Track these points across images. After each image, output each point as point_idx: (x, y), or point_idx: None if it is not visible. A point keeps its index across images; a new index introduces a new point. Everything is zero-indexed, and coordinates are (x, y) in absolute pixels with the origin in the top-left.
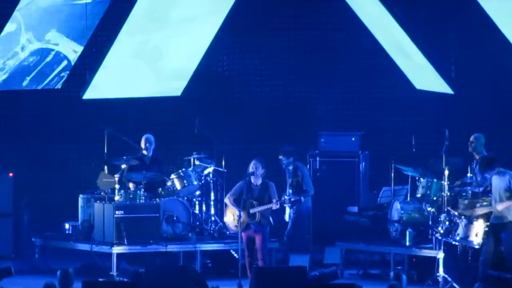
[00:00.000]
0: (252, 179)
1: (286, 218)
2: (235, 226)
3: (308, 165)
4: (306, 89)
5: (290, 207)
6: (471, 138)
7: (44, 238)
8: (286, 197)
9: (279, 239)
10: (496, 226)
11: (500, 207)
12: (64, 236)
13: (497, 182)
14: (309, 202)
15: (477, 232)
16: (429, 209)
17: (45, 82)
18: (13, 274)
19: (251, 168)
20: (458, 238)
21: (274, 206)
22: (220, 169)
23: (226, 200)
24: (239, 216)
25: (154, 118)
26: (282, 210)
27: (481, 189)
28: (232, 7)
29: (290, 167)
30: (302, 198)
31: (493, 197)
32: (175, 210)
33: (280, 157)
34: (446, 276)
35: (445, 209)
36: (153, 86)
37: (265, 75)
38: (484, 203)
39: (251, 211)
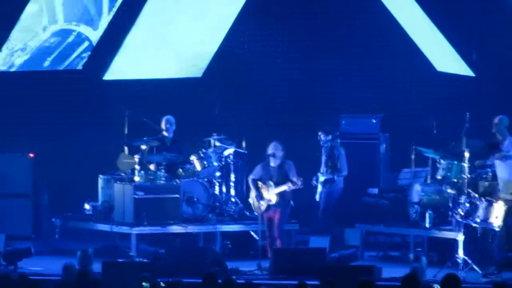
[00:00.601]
0: (272, 161)
1: (317, 197)
2: (256, 206)
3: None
4: (326, 71)
5: (323, 186)
6: (496, 120)
7: (64, 218)
8: (319, 174)
9: (300, 221)
10: (508, 210)
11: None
12: (84, 216)
13: (503, 167)
14: (342, 183)
15: (497, 214)
16: (449, 191)
17: (66, 63)
18: (33, 254)
19: (270, 150)
20: (478, 220)
21: (291, 187)
22: (241, 150)
23: (249, 180)
24: (257, 198)
25: (175, 99)
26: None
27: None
28: None
29: (327, 145)
30: (335, 177)
31: (499, 182)
32: (195, 191)
33: (319, 133)
34: (466, 258)
35: (466, 191)
36: (174, 67)
37: (285, 58)
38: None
39: (270, 192)
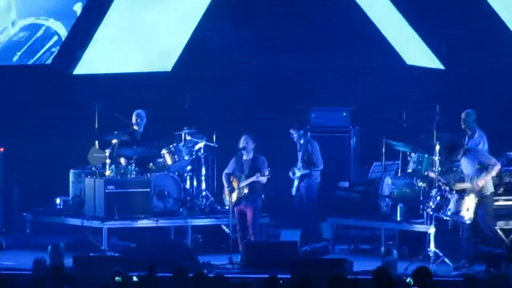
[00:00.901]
0: (244, 154)
1: (293, 191)
2: (228, 201)
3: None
4: (296, 64)
5: (300, 181)
6: (462, 115)
7: (35, 213)
8: (295, 169)
9: (270, 214)
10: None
11: (480, 182)
12: (55, 211)
13: (466, 162)
14: (319, 177)
15: (468, 207)
16: (420, 184)
17: (36, 58)
18: (4, 248)
19: (241, 143)
20: (449, 213)
21: (259, 178)
22: (211, 144)
23: (223, 175)
24: (229, 191)
25: (145, 94)
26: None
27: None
28: None
29: (301, 141)
30: (312, 172)
31: (467, 177)
32: (166, 185)
33: (291, 130)
34: (437, 251)
35: (436, 184)
36: (143, 61)
37: (255, 51)
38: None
39: (240, 185)
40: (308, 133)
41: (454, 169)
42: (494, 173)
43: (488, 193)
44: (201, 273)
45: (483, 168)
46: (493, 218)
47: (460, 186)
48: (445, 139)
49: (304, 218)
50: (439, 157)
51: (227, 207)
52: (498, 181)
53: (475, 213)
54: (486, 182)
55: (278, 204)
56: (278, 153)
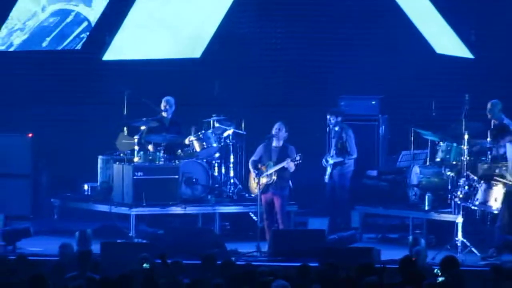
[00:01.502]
0: (274, 141)
1: (326, 179)
2: (256, 189)
3: (327, 128)
4: (326, 52)
5: (333, 169)
6: (488, 105)
7: (63, 199)
8: (329, 157)
9: (298, 202)
10: (510, 193)
11: None
12: (83, 197)
13: (511, 150)
14: (352, 166)
15: (496, 197)
16: (448, 173)
17: (65, 43)
18: (31, 234)
19: (274, 130)
20: (477, 202)
21: (289, 163)
22: (240, 131)
23: (250, 162)
24: (257, 178)
25: (174, 80)
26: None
27: (500, 151)
28: None
29: (337, 128)
30: (345, 160)
31: (509, 165)
32: (194, 172)
33: (328, 116)
34: (464, 240)
35: (465, 174)
36: (172, 48)
37: (284, 38)
38: (504, 168)
39: (269, 171)
40: (343, 123)
41: (483, 158)
42: None
43: None
44: (230, 260)
45: None
46: None
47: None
48: (474, 128)
49: (335, 206)
50: (468, 146)
51: (253, 195)
52: None
53: (509, 202)
54: None
55: (307, 192)
56: (306, 141)
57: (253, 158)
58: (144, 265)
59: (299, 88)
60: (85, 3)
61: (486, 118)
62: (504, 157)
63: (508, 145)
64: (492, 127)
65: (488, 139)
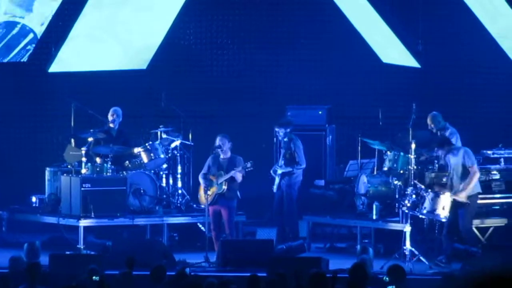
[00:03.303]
0: (221, 153)
1: (274, 189)
2: (205, 200)
3: (274, 139)
4: (272, 62)
5: (281, 179)
6: (428, 121)
7: (10, 211)
8: (277, 167)
9: (247, 212)
10: (456, 202)
11: (462, 195)
12: (31, 209)
13: (452, 160)
14: (301, 176)
15: (444, 205)
16: (395, 182)
17: (11, 55)
18: None
19: (217, 143)
20: (424, 211)
21: (235, 174)
22: (187, 142)
23: (200, 176)
24: (205, 189)
25: (121, 92)
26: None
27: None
28: None
29: (286, 138)
30: (293, 170)
31: (452, 175)
32: (142, 183)
33: (277, 129)
34: (412, 249)
35: (412, 183)
36: (119, 59)
37: (231, 49)
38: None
39: (219, 180)
40: (292, 134)
41: (430, 167)
42: (472, 183)
43: (474, 194)
44: (184, 272)
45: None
46: (472, 218)
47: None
48: (421, 137)
49: (284, 216)
50: (415, 155)
51: (202, 206)
52: None
53: (456, 211)
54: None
55: (255, 202)
56: (254, 151)
57: (202, 171)
58: (94, 277)
59: (246, 99)
60: (30, 15)
61: None
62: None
63: (449, 157)
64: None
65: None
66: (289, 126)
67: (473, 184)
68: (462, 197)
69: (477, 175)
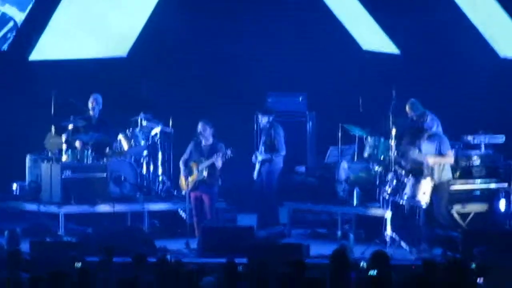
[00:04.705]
0: (202, 140)
1: (255, 175)
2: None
3: (255, 126)
4: (253, 49)
5: (261, 166)
6: (407, 108)
7: None
8: (257, 153)
9: (227, 199)
10: (438, 187)
11: (431, 160)
12: (11, 196)
13: (426, 147)
14: (281, 163)
15: (425, 191)
16: (376, 168)
17: None
18: None
19: (198, 129)
20: (405, 197)
21: (220, 158)
22: (167, 129)
23: (181, 161)
24: (186, 176)
25: (101, 79)
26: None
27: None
28: None
29: (267, 126)
30: (273, 157)
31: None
32: (122, 170)
33: (260, 116)
34: (393, 235)
35: (392, 169)
36: (99, 47)
37: (211, 36)
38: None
39: (200, 167)
40: (273, 121)
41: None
42: (444, 161)
43: (445, 180)
44: (164, 258)
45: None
46: (448, 203)
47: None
48: (401, 123)
49: (264, 203)
50: (395, 141)
51: (183, 192)
52: (454, 165)
53: (431, 198)
54: (443, 168)
55: (236, 188)
56: (234, 138)
57: (183, 156)
58: (76, 264)
59: (227, 85)
60: (10, 3)
61: None
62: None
63: (423, 144)
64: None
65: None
66: (272, 114)
67: (443, 161)
68: (429, 160)
69: (451, 160)
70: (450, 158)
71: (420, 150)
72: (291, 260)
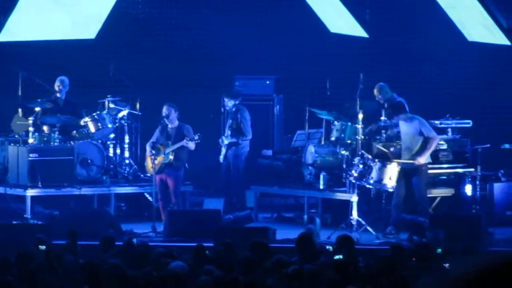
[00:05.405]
0: (168, 123)
1: (221, 159)
2: (152, 169)
3: (222, 109)
4: (221, 33)
5: (228, 149)
6: (375, 92)
7: None
8: (223, 137)
9: (194, 182)
10: (407, 171)
11: (422, 159)
12: None
13: (405, 128)
14: (247, 147)
15: (391, 175)
16: (343, 152)
17: None
18: None
19: (164, 112)
20: (372, 181)
21: (188, 143)
22: (135, 112)
23: (147, 144)
24: (153, 158)
25: (69, 61)
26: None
27: (395, 131)
28: None
29: (234, 109)
30: (239, 141)
31: (403, 143)
32: (89, 153)
33: (226, 100)
34: (359, 219)
35: (359, 152)
36: (67, 29)
37: (180, 19)
38: (398, 146)
39: (167, 150)
40: (239, 105)
41: (378, 137)
42: (434, 147)
43: (426, 162)
44: (131, 241)
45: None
46: (427, 186)
47: (399, 161)
48: (368, 107)
49: (231, 186)
50: (362, 125)
51: (149, 175)
52: None
53: (408, 180)
54: (429, 152)
55: (202, 172)
56: (201, 121)
57: (151, 140)
58: (40, 247)
59: (194, 68)
60: None
61: None
62: (398, 136)
63: (401, 123)
64: (386, 106)
65: (383, 118)
66: (238, 97)
67: (433, 147)
68: (420, 161)
69: (438, 140)
70: (435, 140)
71: (397, 126)
72: (253, 243)
